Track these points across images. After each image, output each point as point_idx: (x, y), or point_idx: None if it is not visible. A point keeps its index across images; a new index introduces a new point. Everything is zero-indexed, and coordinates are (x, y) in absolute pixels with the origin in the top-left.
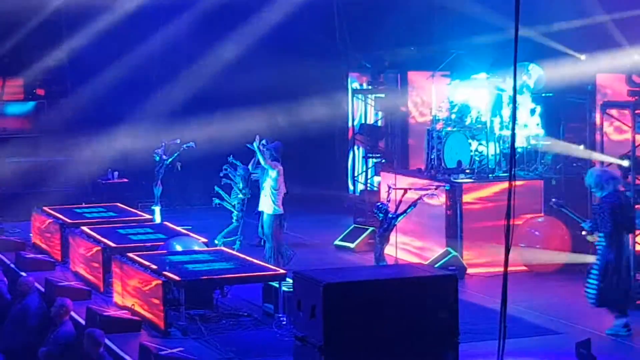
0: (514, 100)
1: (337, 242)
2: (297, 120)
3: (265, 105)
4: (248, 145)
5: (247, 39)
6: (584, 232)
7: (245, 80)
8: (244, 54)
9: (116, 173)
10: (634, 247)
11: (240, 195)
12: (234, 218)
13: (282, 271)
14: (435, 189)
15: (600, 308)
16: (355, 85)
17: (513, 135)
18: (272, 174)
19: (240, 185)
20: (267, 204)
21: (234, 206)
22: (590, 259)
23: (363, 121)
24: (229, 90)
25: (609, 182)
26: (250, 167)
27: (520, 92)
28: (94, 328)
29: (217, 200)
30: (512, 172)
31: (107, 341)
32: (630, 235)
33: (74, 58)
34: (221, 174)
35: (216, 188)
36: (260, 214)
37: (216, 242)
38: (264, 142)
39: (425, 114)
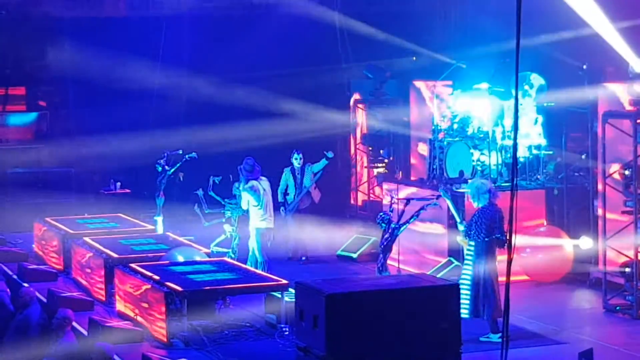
0: (515, 110)
1: (339, 252)
2: (299, 131)
3: (267, 116)
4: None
5: (249, 50)
6: (458, 238)
7: (247, 91)
8: (246, 64)
9: (118, 184)
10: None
11: (234, 211)
12: (232, 231)
13: (284, 281)
14: (437, 198)
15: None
16: (357, 95)
17: (515, 145)
18: (245, 194)
19: (234, 201)
20: (254, 219)
21: (228, 219)
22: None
23: (365, 131)
24: (231, 101)
25: (485, 194)
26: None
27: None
28: (103, 342)
29: (228, 212)
30: (515, 182)
31: (115, 357)
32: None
33: (76, 68)
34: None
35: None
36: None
37: (211, 249)
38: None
39: (428, 124)
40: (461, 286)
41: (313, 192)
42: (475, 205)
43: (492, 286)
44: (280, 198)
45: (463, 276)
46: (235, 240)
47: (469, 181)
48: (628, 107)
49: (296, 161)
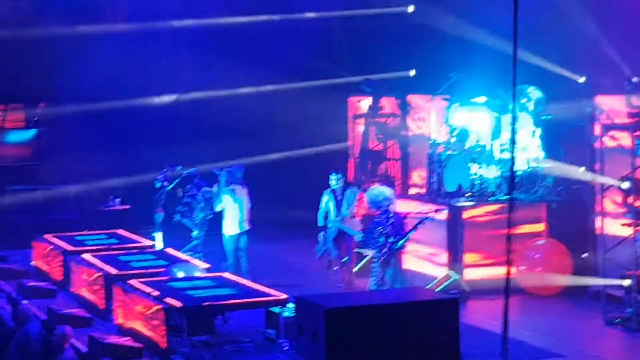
0: (513, 123)
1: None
2: (296, 146)
3: (265, 131)
4: (214, 170)
5: (247, 65)
6: (357, 249)
7: (244, 106)
8: (243, 79)
9: (118, 200)
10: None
11: (202, 214)
12: (195, 235)
13: (283, 296)
14: (435, 212)
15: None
16: (355, 110)
17: (512, 158)
18: (239, 194)
19: (202, 205)
20: (227, 224)
21: (195, 224)
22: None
23: (363, 146)
24: (229, 116)
25: (383, 202)
26: (214, 188)
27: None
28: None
29: (177, 217)
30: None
31: None
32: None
33: (74, 84)
34: (184, 194)
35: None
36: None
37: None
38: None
39: (426, 138)
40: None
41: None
42: (375, 211)
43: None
44: (320, 222)
45: (371, 283)
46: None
47: (369, 190)
48: (626, 120)
49: (334, 182)
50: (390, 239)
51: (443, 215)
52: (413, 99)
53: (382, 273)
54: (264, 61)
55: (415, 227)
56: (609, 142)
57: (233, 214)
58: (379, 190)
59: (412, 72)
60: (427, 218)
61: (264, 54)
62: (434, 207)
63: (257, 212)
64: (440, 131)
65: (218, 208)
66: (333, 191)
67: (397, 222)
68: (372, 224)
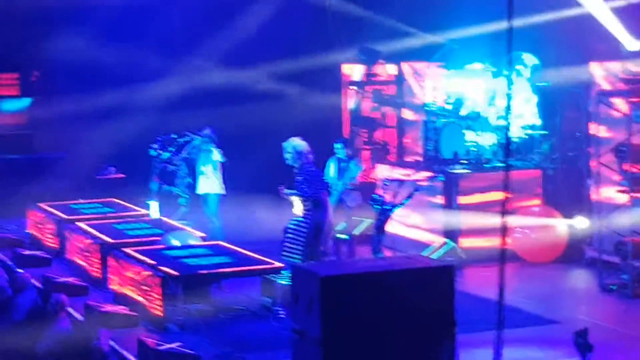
0: (508, 91)
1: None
2: (291, 115)
3: (258, 99)
4: (188, 133)
5: (240, 33)
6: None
7: (238, 74)
8: (236, 47)
9: (113, 168)
10: None
11: (186, 181)
12: (182, 203)
13: (279, 264)
14: (431, 179)
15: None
16: (350, 77)
17: (507, 126)
18: (217, 156)
19: (185, 171)
20: (212, 185)
21: (183, 191)
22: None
23: (358, 114)
24: (223, 85)
25: (303, 154)
26: (184, 152)
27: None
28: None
29: (167, 187)
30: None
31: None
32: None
33: (69, 53)
34: (165, 158)
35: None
36: (206, 196)
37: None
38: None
39: (422, 105)
40: (296, 235)
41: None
42: (295, 165)
43: (320, 235)
44: None
45: (301, 226)
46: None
47: (286, 144)
48: (621, 86)
49: (339, 151)
50: (386, 206)
51: (439, 182)
52: (408, 65)
53: (378, 241)
54: (256, 29)
55: (410, 195)
56: (604, 109)
57: (218, 175)
58: (298, 143)
59: (408, 40)
60: (423, 185)
61: (256, 22)
62: (430, 174)
63: (254, 181)
64: (435, 98)
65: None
66: (338, 159)
67: (315, 176)
68: (298, 176)
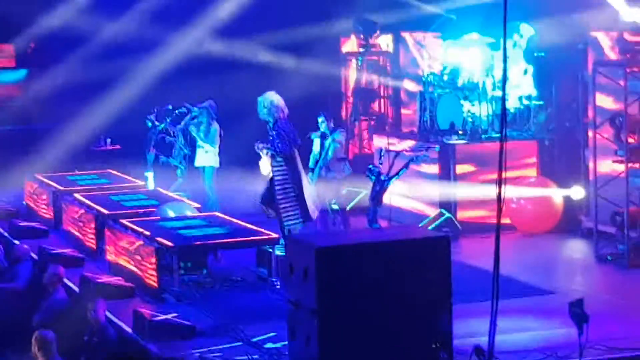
0: (504, 61)
1: (330, 206)
2: (288, 87)
3: (255, 71)
4: (186, 105)
5: (237, 4)
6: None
7: (236, 45)
8: (234, 18)
9: (109, 140)
10: None
11: (184, 152)
12: (179, 174)
13: (275, 235)
14: (427, 150)
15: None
16: (347, 49)
17: (504, 96)
18: (216, 129)
19: (182, 142)
20: (210, 159)
21: (180, 162)
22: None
23: (355, 85)
24: (220, 56)
25: (279, 109)
26: (183, 124)
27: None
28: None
29: (164, 158)
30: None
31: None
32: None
33: (64, 23)
34: (161, 129)
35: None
36: (202, 169)
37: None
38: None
39: (418, 76)
40: (285, 194)
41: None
42: (270, 119)
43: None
44: (311, 164)
45: (276, 187)
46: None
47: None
48: (617, 56)
49: (321, 125)
50: (382, 177)
51: (435, 153)
52: (406, 36)
53: (373, 212)
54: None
55: (406, 166)
56: (600, 79)
57: (216, 148)
58: (270, 99)
59: (405, 11)
60: (419, 156)
61: None
62: (427, 144)
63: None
64: (432, 69)
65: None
66: (322, 134)
67: (289, 132)
68: (272, 131)
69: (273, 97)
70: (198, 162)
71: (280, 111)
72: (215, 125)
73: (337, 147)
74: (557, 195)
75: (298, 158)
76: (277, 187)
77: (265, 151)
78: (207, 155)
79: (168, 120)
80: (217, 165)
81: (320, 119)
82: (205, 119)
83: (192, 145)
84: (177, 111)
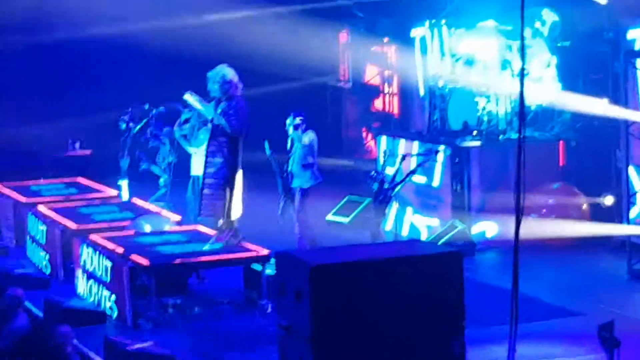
0: (522, 52)
1: (329, 217)
2: (282, 80)
3: (246, 65)
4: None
5: None
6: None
7: (222, 38)
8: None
9: (78, 144)
10: None
11: (170, 159)
12: (162, 183)
13: (265, 252)
14: (436, 153)
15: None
16: (346, 38)
17: (522, 92)
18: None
19: (168, 147)
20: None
21: (163, 170)
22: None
23: (356, 79)
24: (201, 47)
25: (233, 84)
26: (176, 127)
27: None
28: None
29: (144, 165)
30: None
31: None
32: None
33: (28, 14)
34: (148, 135)
35: (138, 153)
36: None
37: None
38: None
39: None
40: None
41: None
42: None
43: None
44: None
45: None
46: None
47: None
48: None
49: (289, 127)
50: (386, 185)
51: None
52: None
53: (377, 224)
54: None
55: (414, 171)
56: (635, 71)
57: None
58: (222, 71)
59: None
60: (427, 160)
61: None
62: (436, 147)
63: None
64: (442, 60)
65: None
66: (292, 138)
67: (245, 113)
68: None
69: (225, 71)
70: (194, 171)
71: (234, 87)
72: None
73: (303, 151)
74: (584, 203)
75: (240, 150)
76: (210, 170)
77: (194, 98)
78: (199, 161)
79: (149, 121)
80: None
81: (288, 120)
82: (198, 121)
83: (181, 150)
84: (154, 111)
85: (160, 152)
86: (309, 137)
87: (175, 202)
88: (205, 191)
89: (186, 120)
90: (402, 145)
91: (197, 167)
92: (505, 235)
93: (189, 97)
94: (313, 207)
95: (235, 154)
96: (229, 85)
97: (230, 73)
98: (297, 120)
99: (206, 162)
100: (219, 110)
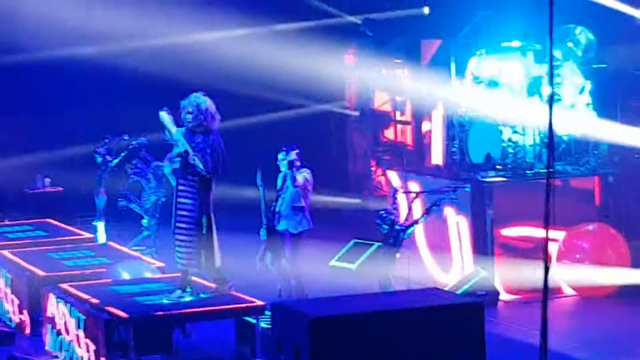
0: (551, 75)
1: (332, 263)
2: (281, 107)
3: (242, 88)
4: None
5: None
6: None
7: (213, 61)
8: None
9: (47, 180)
10: None
11: (154, 197)
12: (145, 224)
13: (259, 303)
14: (454, 191)
15: None
16: (353, 59)
17: (551, 121)
18: None
19: (153, 184)
20: None
21: (146, 210)
22: None
23: (364, 105)
24: (190, 69)
25: (207, 117)
26: (166, 162)
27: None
28: None
29: (123, 202)
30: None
31: None
32: None
33: None
34: (130, 171)
35: (124, 190)
36: None
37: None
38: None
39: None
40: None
41: None
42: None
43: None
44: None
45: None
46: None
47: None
48: None
49: (282, 163)
50: (397, 226)
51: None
52: (427, 44)
53: (387, 271)
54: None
55: (428, 211)
56: None
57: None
58: (197, 99)
59: (426, 10)
60: (444, 199)
61: None
62: (454, 183)
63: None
64: (461, 86)
65: None
66: (284, 175)
67: (222, 151)
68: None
69: (200, 100)
70: None
71: (210, 119)
72: None
73: (296, 192)
74: (624, 246)
75: (214, 187)
76: (182, 212)
77: (169, 119)
78: None
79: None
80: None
81: (280, 155)
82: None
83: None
84: (134, 142)
85: (144, 190)
86: (303, 176)
87: (162, 246)
88: (179, 237)
89: (179, 155)
90: (416, 181)
91: None
92: (534, 283)
93: (165, 117)
94: (316, 251)
95: (209, 192)
96: (204, 117)
97: (205, 102)
98: (293, 155)
99: (176, 203)
100: (193, 145)
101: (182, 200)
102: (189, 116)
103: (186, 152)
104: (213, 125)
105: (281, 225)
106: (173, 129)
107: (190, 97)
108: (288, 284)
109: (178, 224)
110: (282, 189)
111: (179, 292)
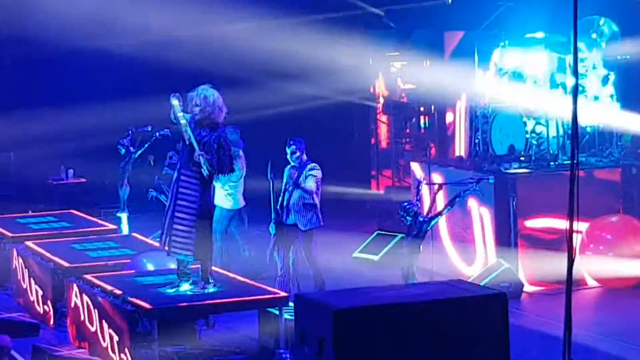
0: (575, 67)
1: (356, 254)
2: (303, 99)
3: (264, 80)
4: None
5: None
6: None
7: (234, 52)
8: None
9: (71, 171)
10: None
11: None
12: None
13: (283, 294)
14: (478, 183)
15: None
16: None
17: (575, 112)
18: (241, 164)
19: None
20: (221, 197)
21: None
22: None
23: (388, 97)
24: (212, 62)
25: (215, 111)
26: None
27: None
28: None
29: (153, 193)
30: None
31: None
32: None
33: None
34: (166, 163)
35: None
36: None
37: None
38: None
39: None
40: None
41: None
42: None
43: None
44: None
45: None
46: None
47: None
48: None
49: (291, 157)
50: (420, 218)
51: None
52: (451, 35)
53: (410, 262)
54: None
55: (452, 203)
56: None
57: (234, 184)
58: (204, 92)
59: (449, 1)
60: (468, 190)
61: None
62: (477, 174)
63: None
64: (485, 77)
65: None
66: (291, 169)
67: (228, 147)
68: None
69: (209, 92)
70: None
71: (218, 111)
72: (241, 159)
73: (308, 189)
74: None
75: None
76: (182, 202)
77: (180, 108)
78: (222, 193)
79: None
80: (229, 206)
81: (289, 149)
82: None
83: None
84: (157, 134)
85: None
86: (314, 178)
87: None
88: (178, 227)
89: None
90: (439, 172)
91: (223, 199)
92: (557, 275)
93: (176, 103)
94: (338, 243)
95: (211, 184)
96: (211, 109)
97: (213, 95)
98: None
99: (177, 192)
100: (199, 138)
101: (184, 190)
102: (197, 108)
103: (191, 145)
104: (219, 119)
105: (290, 220)
106: (182, 119)
107: (197, 89)
108: (288, 277)
109: (178, 214)
110: (288, 184)
111: (177, 281)
